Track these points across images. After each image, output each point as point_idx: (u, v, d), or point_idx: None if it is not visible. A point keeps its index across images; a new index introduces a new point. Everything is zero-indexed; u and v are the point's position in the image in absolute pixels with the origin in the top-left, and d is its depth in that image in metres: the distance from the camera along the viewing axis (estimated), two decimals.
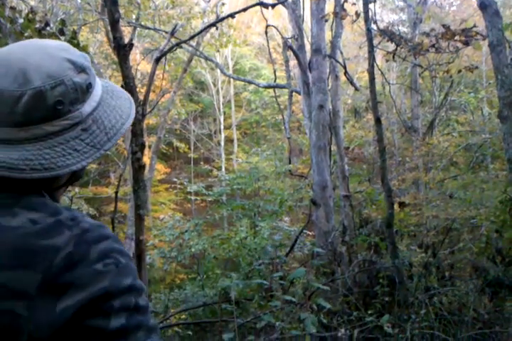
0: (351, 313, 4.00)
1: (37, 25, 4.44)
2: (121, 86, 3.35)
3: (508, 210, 4.57)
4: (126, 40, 3.57)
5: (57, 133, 0.85)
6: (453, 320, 3.74)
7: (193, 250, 8.20)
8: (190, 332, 5.32)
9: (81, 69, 0.88)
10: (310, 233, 8.87)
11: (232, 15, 4.59)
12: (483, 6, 4.29)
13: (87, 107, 0.89)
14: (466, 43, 4.91)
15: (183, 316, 6.55)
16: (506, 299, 4.16)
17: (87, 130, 0.88)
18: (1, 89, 0.81)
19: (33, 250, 0.76)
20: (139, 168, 3.21)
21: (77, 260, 0.77)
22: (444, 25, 5.03)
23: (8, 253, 0.76)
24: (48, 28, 4.49)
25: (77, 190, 14.32)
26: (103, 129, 0.90)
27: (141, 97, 3.88)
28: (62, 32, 4.23)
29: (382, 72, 6.79)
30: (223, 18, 5.28)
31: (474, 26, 4.89)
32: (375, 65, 4.89)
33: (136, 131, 3.19)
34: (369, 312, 3.85)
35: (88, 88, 0.89)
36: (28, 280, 0.74)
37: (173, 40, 7.45)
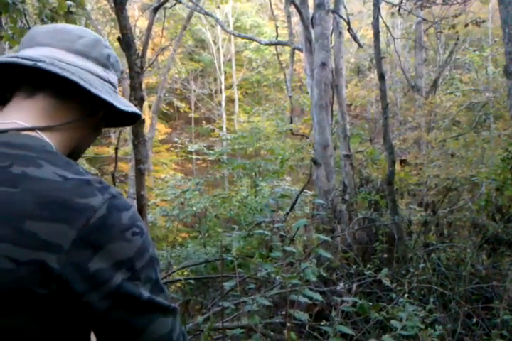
0: (350, 268, 4.06)
1: None
2: (119, 38, 3.26)
3: (509, 168, 4.55)
4: None
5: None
6: (451, 275, 3.80)
7: (194, 209, 8.27)
8: (192, 287, 5.43)
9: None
10: (311, 192, 8.90)
11: None
12: None
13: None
14: None
15: (186, 272, 6.68)
16: (504, 255, 4.21)
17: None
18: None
19: (68, 205, 0.76)
20: (138, 122, 3.17)
21: (110, 224, 0.78)
22: None
23: (39, 203, 0.75)
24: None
25: None
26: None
27: (140, 51, 3.78)
28: None
29: (387, 26, 6.60)
30: None
31: None
32: (379, 18, 4.75)
33: (135, 85, 3.13)
34: (368, 266, 3.91)
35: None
36: (63, 235, 0.74)
37: None
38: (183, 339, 0.88)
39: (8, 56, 0.90)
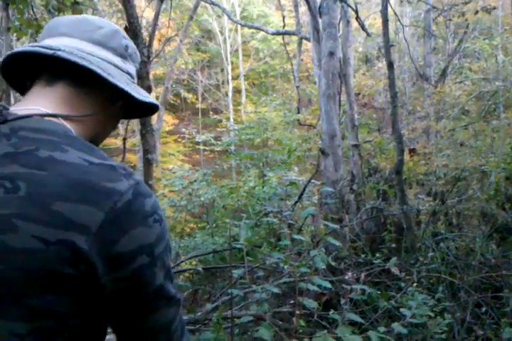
0: (358, 257, 4.06)
1: None
2: (125, 27, 3.25)
3: None
4: None
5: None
6: (460, 265, 3.78)
7: (202, 199, 8.28)
8: (200, 277, 5.46)
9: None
10: (318, 182, 8.87)
11: None
12: None
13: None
14: None
15: (194, 262, 6.70)
16: None
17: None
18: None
19: (96, 189, 0.78)
20: None
21: (135, 209, 0.80)
22: None
23: (68, 185, 0.77)
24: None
25: None
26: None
27: (146, 40, 3.77)
28: None
29: (396, 14, 6.52)
30: None
31: None
32: (388, 6, 4.69)
33: (142, 74, 3.12)
34: (376, 256, 3.90)
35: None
36: (91, 216, 0.76)
37: None
38: (181, 330, 0.89)
39: (30, 45, 0.92)
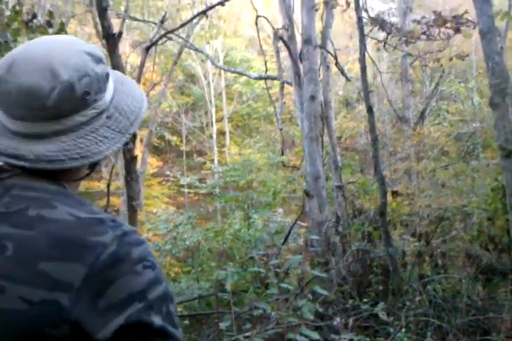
0: (346, 302, 4.02)
1: (24, 18, 4.38)
2: None
3: (499, 198, 4.60)
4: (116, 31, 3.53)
5: (87, 123, 0.90)
6: (447, 307, 3.77)
7: (187, 243, 8.20)
8: (187, 322, 5.33)
9: (99, 59, 0.93)
10: (304, 224, 8.87)
11: (222, 3, 4.54)
12: None
13: (107, 95, 0.94)
14: (457, 30, 4.90)
15: (179, 309, 6.56)
16: (499, 285, 4.20)
17: (111, 117, 0.94)
18: (31, 86, 0.85)
19: (80, 244, 0.78)
20: (130, 159, 3.19)
21: (120, 258, 0.79)
22: (435, 12, 5.03)
23: (53, 244, 0.78)
24: (35, 21, 4.43)
25: None
26: (124, 115, 0.96)
27: None
28: (49, 24, 4.18)
29: (373, 61, 6.78)
30: (213, 6, 5.22)
31: (465, 12, 4.89)
32: (366, 53, 4.88)
33: None
34: (364, 300, 3.87)
35: (107, 76, 0.95)
36: (74, 273, 0.76)
37: (163, 32, 7.38)
38: None
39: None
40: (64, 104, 0.87)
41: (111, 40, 3.22)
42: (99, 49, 0.96)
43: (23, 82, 0.85)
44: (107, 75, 0.94)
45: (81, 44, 0.93)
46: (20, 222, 0.80)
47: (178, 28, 5.62)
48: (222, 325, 2.61)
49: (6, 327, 0.74)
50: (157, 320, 0.79)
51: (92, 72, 0.89)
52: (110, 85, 0.96)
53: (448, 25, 4.95)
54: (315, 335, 2.09)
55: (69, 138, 0.88)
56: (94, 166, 0.99)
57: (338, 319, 3.57)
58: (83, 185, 16.95)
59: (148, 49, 3.99)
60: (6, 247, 0.77)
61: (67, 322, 0.75)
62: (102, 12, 3.13)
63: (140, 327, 0.78)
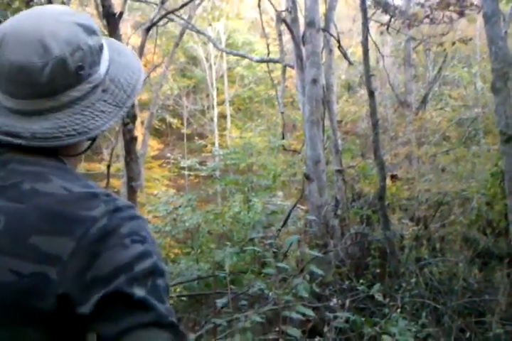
0: (343, 283, 4.07)
1: None
2: None
3: (499, 183, 4.61)
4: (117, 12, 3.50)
5: (83, 98, 0.88)
6: (443, 290, 3.81)
7: (187, 224, 8.25)
8: (184, 304, 5.40)
9: (91, 31, 0.89)
10: (303, 207, 8.91)
11: None
12: None
13: (102, 68, 0.92)
14: (461, 14, 4.86)
15: (178, 289, 6.62)
16: (495, 269, 4.24)
17: (107, 90, 0.91)
18: (23, 63, 0.83)
19: (70, 218, 0.78)
20: (130, 140, 3.20)
21: (109, 232, 0.79)
22: None
23: (44, 218, 0.78)
24: (35, 0, 4.39)
25: None
26: (121, 88, 0.93)
27: None
28: (50, 3, 4.15)
29: (376, 45, 6.73)
30: None
31: None
32: (368, 37, 4.84)
33: None
34: (360, 281, 3.92)
35: (101, 48, 0.92)
36: (63, 246, 0.76)
37: (164, 12, 7.31)
38: None
39: None
40: (57, 80, 0.85)
41: (111, 20, 3.20)
42: (91, 19, 0.93)
43: (14, 59, 0.83)
44: (101, 47, 0.92)
45: (72, 14, 0.90)
46: (14, 195, 0.80)
47: (178, 9, 5.56)
48: (219, 303, 2.65)
49: None
50: (139, 292, 0.76)
51: (84, 45, 0.87)
52: (105, 56, 0.93)
53: (451, 8, 4.89)
54: (310, 312, 2.13)
55: (65, 115, 0.87)
56: (93, 140, 0.98)
57: (335, 300, 3.62)
58: (83, 167, 16.96)
59: (148, 30, 3.96)
60: None
61: (54, 294, 0.75)
62: None
63: (120, 297, 0.75)
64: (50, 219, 0.78)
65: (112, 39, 1.03)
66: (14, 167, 0.84)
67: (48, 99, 0.86)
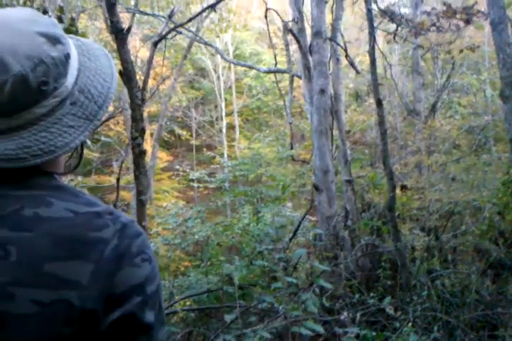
0: (354, 297, 4.00)
1: None
2: (120, 71, 3.32)
3: (510, 192, 4.54)
4: (126, 27, 3.53)
5: (49, 114, 0.82)
6: (455, 302, 3.74)
7: (196, 237, 8.22)
8: (194, 318, 5.35)
9: (56, 40, 0.83)
10: (313, 218, 8.86)
11: None
12: None
13: (70, 78, 0.85)
14: (468, 21, 4.83)
15: (188, 303, 6.59)
16: (508, 280, 4.16)
17: (76, 103, 0.85)
18: None
19: (82, 241, 0.78)
20: (139, 154, 3.20)
21: (122, 253, 0.80)
22: (444, 3, 4.95)
23: (55, 244, 0.77)
24: (46, 16, 4.44)
25: (80, 178, 14.31)
26: (91, 98, 0.87)
27: (141, 83, 3.84)
28: (60, 19, 4.19)
29: (383, 54, 6.71)
30: (221, 0, 5.18)
31: (475, 4, 4.80)
32: (375, 46, 4.82)
33: (136, 117, 3.17)
34: (371, 295, 3.85)
35: (67, 58, 0.84)
36: (80, 270, 0.77)
37: (172, 26, 7.37)
38: None
39: None
40: (19, 98, 0.79)
41: (119, 35, 3.21)
42: (55, 25, 0.86)
43: None
44: (67, 56, 0.84)
45: (33, 21, 0.82)
46: (18, 223, 0.78)
47: (186, 23, 5.61)
48: (228, 318, 2.62)
49: (22, 333, 0.74)
50: (149, 316, 0.81)
51: (47, 57, 0.80)
52: (73, 65, 0.86)
53: (458, 16, 4.87)
54: (319, 328, 2.09)
55: (30, 133, 0.81)
56: (80, 156, 0.95)
57: (345, 313, 3.56)
58: (94, 180, 17.06)
59: (156, 44, 3.98)
60: (10, 252, 0.76)
61: (81, 318, 0.76)
62: (111, 7, 3.13)
63: (132, 319, 0.79)
64: (62, 244, 0.77)
65: (84, 39, 0.95)
66: (8, 192, 0.81)
67: (11, 117, 0.80)
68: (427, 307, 3.66)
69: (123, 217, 0.85)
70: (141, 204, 3.57)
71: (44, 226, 0.78)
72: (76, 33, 4.22)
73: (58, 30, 0.85)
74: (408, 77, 13.65)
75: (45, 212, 0.79)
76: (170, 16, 5.09)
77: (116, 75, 0.93)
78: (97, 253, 0.78)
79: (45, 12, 4.47)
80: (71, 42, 0.89)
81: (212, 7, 4.85)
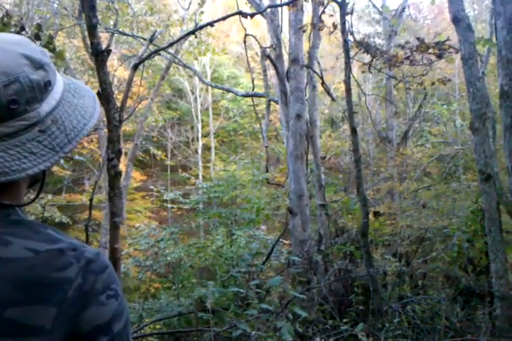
0: (326, 322, 4.02)
1: (12, 30, 4.40)
2: (98, 92, 3.33)
3: (479, 220, 4.67)
4: (104, 47, 3.56)
5: (12, 135, 0.78)
6: (426, 329, 3.79)
7: (168, 259, 8.12)
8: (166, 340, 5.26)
9: (39, 65, 0.81)
10: (286, 241, 8.88)
11: (211, 24, 4.60)
12: (455, 20, 4.40)
13: (45, 106, 0.82)
14: (440, 56, 5.03)
15: (158, 326, 6.47)
16: (477, 307, 4.24)
17: (46, 131, 0.81)
18: None
19: (44, 283, 0.74)
20: (114, 175, 3.19)
21: (86, 291, 0.78)
22: (418, 38, 5.17)
23: (16, 287, 0.73)
24: (23, 33, 4.45)
25: (50, 197, 14.05)
26: (63, 130, 0.83)
27: (118, 103, 3.86)
28: (38, 37, 4.20)
29: (358, 83, 6.90)
30: (202, 26, 5.29)
31: (447, 40, 5.02)
32: (351, 75, 4.97)
33: (113, 138, 3.17)
34: (344, 320, 3.88)
35: (47, 86, 0.82)
36: (43, 315, 0.73)
37: (152, 47, 7.44)
38: None
39: None
40: None
41: (99, 56, 3.24)
42: (44, 53, 0.85)
43: None
44: (48, 83, 0.83)
45: (23, 45, 0.82)
46: None
47: (166, 47, 5.66)
48: None
49: None
50: None
51: (25, 78, 0.78)
52: (53, 95, 0.84)
53: (431, 51, 5.08)
54: None
55: None
56: (41, 187, 0.90)
57: (318, 339, 3.57)
58: (64, 198, 16.76)
59: (136, 67, 4.02)
60: None
61: None
62: (92, 29, 3.16)
63: None
64: (22, 288, 0.73)
65: (76, 80, 0.95)
66: None
67: None
68: (399, 334, 3.70)
69: (87, 251, 0.81)
70: (114, 227, 3.53)
71: (1, 268, 0.73)
72: (53, 50, 4.23)
73: (45, 58, 0.84)
74: (381, 106, 14.01)
75: (3, 253, 0.74)
76: (151, 40, 5.15)
77: (97, 116, 0.91)
78: (60, 295, 0.74)
79: (22, 29, 4.48)
80: (59, 76, 0.88)
81: (193, 33, 4.93)
